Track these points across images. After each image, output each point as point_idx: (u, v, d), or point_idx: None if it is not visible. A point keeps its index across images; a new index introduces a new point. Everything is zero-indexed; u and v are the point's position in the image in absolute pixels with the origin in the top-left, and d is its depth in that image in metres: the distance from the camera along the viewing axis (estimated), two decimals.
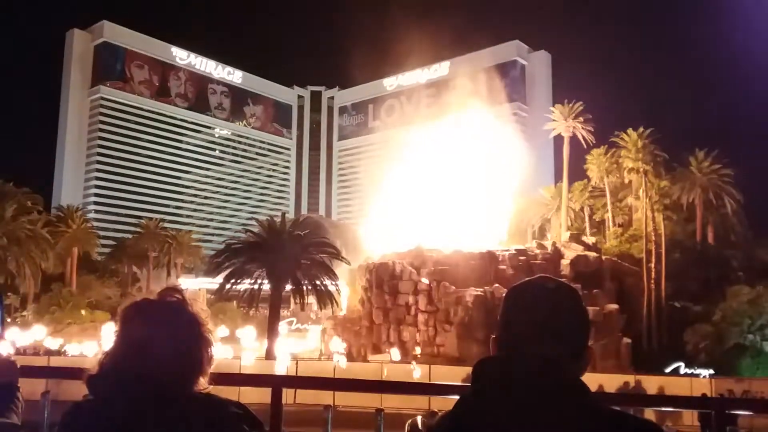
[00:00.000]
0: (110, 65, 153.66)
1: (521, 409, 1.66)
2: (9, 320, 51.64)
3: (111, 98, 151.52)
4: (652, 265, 50.13)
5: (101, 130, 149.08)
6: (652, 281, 49.56)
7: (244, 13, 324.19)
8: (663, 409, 6.57)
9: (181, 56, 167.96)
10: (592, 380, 1.77)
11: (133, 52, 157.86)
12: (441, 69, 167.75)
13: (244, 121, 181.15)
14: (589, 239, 55.13)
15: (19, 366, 2.59)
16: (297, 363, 33.68)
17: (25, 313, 64.58)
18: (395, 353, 39.57)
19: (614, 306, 43.22)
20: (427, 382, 23.36)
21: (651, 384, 26.16)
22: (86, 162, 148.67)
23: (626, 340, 42.14)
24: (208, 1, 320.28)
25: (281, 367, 29.12)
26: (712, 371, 37.39)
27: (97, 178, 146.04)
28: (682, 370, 39.16)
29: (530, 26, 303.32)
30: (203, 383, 1.95)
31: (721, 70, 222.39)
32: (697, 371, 38.20)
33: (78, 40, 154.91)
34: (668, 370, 38.91)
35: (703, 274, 49.88)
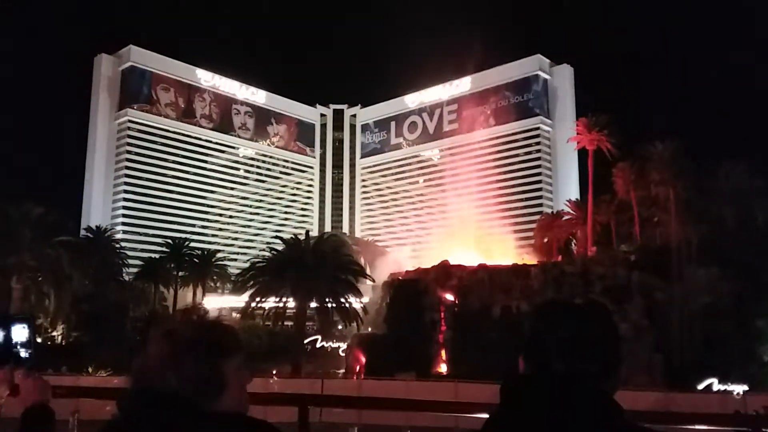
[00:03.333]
0: (137, 88, 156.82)
1: (550, 428, 1.63)
2: (39, 341, 52.39)
3: (138, 121, 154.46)
4: (683, 279, 49.18)
5: (128, 152, 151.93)
6: (683, 295, 48.57)
7: (266, 35, 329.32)
8: (697, 427, 6.42)
9: (205, 78, 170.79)
10: (622, 397, 1.73)
11: (159, 75, 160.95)
12: (462, 85, 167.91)
13: (268, 141, 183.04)
14: (617, 253, 54.36)
15: (50, 386, 2.63)
16: (322, 381, 33.59)
17: (54, 333, 65.52)
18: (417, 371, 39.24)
19: (644, 321, 42.47)
20: (454, 400, 23.13)
21: (683, 401, 25.53)
22: (114, 184, 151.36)
23: (657, 355, 41.32)
24: (231, 24, 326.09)
25: None
26: (746, 387, 36.39)
27: (125, 200, 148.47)
28: (715, 387, 38.20)
29: (552, 40, 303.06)
30: (229, 402, 1.95)
31: (751, 79, 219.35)
32: (730, 387, 37.21)
33: (106, 65, 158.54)
34: (701, 386, 37.99)
35: (735, 288, 48.71)
